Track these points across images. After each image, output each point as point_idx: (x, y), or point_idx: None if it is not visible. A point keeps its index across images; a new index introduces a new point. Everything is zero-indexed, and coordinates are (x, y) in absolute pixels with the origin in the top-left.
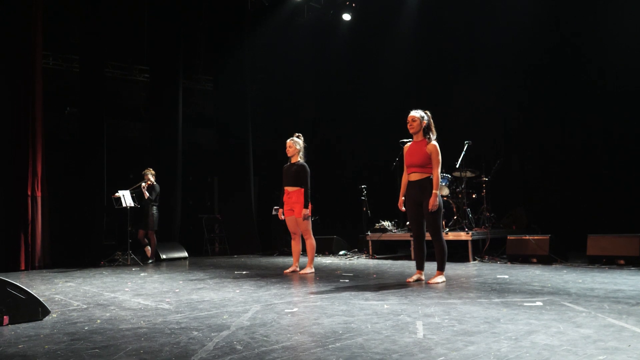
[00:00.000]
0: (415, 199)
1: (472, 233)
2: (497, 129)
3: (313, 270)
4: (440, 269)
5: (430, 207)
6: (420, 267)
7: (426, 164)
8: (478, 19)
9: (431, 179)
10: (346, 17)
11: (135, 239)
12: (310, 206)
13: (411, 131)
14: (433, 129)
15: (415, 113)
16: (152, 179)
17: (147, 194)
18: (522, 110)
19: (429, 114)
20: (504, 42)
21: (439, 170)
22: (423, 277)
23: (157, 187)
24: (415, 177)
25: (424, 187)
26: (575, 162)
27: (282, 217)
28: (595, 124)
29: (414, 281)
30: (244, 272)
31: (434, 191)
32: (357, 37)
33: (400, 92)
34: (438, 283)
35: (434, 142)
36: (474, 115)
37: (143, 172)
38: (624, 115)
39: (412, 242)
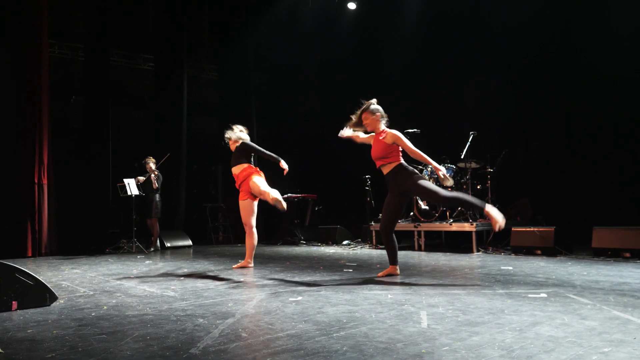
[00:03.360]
0: (399, 190)
1: (476, 224)
2: (502, 119)
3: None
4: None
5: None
6: (393, 262)
7: (388, 153)
8: (484, 7)
9: (402, 165)
10: (351, 5)
11: (140, 227)
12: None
13: (369, 129)
14: (384, 115)
15: (370, 110)
16: (154, 167)
17: (156, 184)
18: (527, 101)
19: (374, 102)
20: (510, 32)
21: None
22: (398, 272)
23: (161, 176)
24: (385, 169)
25: (398, 173)
26: (581, 153)
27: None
28: (601, 114)
29: (384, 276)
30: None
31: (433, 165)
32: (361, 27)
33: (405, 82)
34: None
35: (392, 131)
36: (479, 106)
37: (144, 161)
38: (631, 106)
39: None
